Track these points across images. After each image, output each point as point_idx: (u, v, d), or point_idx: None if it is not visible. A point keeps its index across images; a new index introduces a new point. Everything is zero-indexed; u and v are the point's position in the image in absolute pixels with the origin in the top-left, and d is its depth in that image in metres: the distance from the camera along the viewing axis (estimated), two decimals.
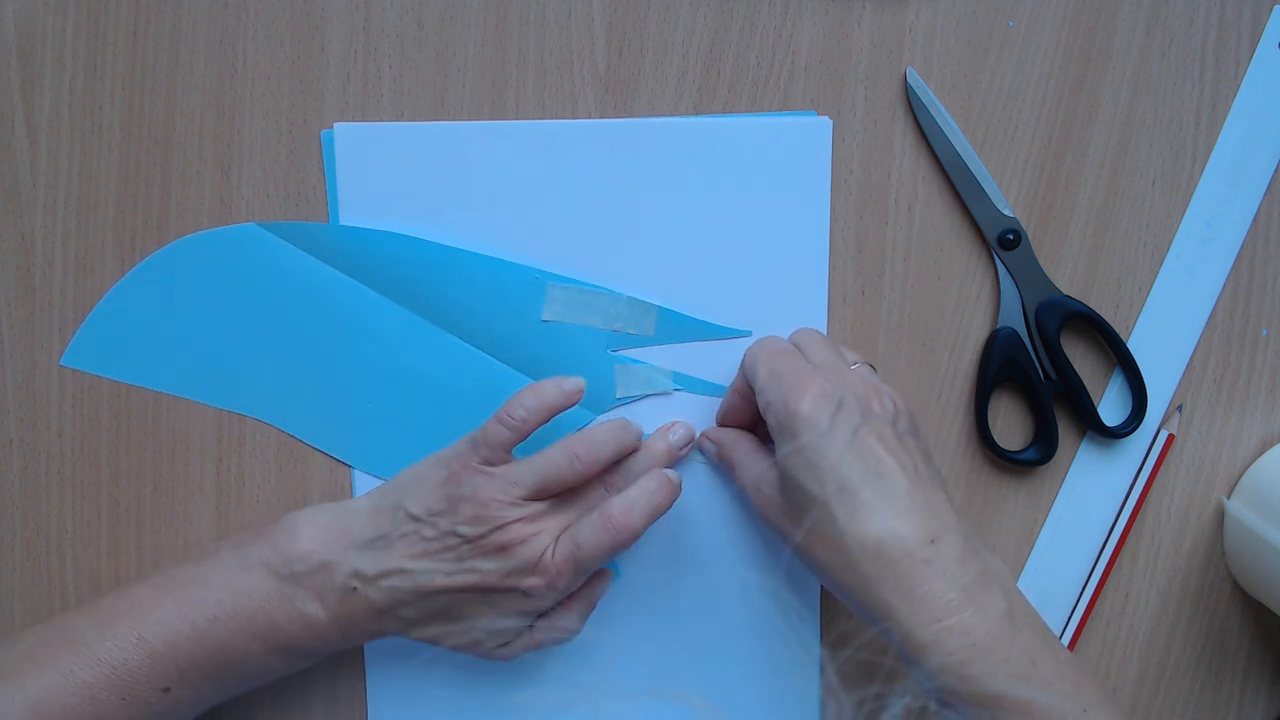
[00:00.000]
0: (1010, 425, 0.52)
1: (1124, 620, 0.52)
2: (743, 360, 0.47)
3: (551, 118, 0.49)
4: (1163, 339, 0.51)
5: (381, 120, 0.49)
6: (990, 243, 0.50)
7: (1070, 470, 0.52)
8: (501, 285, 0.49)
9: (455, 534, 0.43)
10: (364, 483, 0.50)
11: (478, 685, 0.51)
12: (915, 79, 0.49)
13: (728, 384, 0.50)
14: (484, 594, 0.44)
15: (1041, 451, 0.51)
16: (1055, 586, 0.52)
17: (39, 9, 0.48)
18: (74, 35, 0.48)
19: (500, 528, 0.43)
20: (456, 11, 0.49)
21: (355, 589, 0.44)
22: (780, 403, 0.41)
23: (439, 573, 0.44)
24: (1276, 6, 0.50)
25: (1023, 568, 0.52)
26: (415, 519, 0.44)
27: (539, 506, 0.44)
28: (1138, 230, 0.51)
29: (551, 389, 0.45)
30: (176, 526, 0.50)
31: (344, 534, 0.45)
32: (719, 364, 0.50)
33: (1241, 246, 0.51)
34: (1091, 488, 0.52)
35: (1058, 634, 0.52)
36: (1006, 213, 0.50)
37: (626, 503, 0.44)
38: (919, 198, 0.50)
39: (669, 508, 0.44)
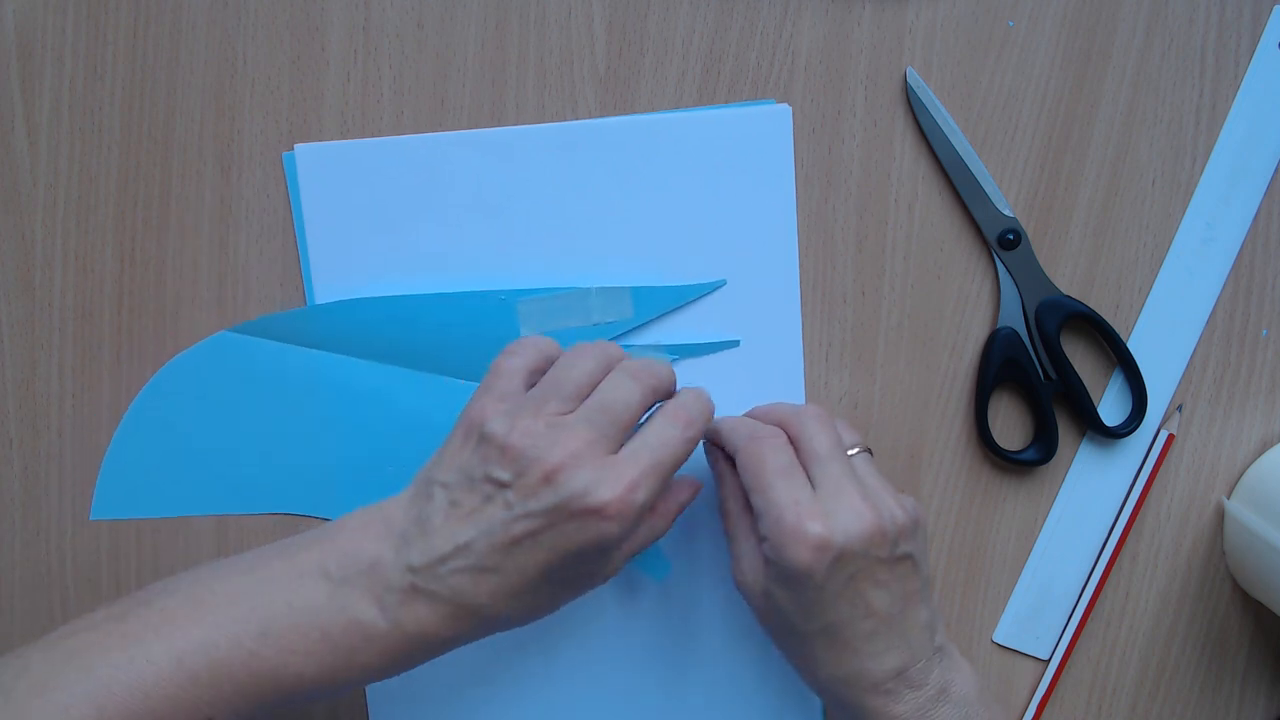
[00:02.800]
0: (1010, 425, 0.52)
1: (1124, 620, 0.52)
2: (733, 443, 0.43)
3: (551, 118, 0.49)
4: (1163, 339, 0.51)
5: (381, 121, 0.49)
6: (990, 243, 0.50)
7: (1070, 470, 0.52)
8: (475, 316, 0.49)
9: (490, 479, 0.39)
10: None
11: (479, 684, 0.51)
12: (915, 79, 0.49)
13: (718, 337, 0.50)
14: (552, 537, 0.39)
15: (1041, 451, 0.51)
16: (1055, 586, 0.52)
17: (39, 9, 0.48)
18: (74, 35, 0.48)
19: (536, 458, 0.39)
20: (456, 11, 0.49)
21: (414, 586, 0.38)
22: (777, 545, 0.40)
23: (493, 530, 0.38)
24: (1276, 6, 0.50)
25: (1023, 568, 0.52)
26: (447, 486, 0.40)
27: (573, 425, 0.40)
28: (1138, 230, 0.51)
29: (537, 342, 0.43)
30: (176, 527, 0.50)
31: (387, 527, 0.40)
32: (704, 321, 0.50)
33: (1241, 246, 0.51)
34: (1091, 488, 0.52)
35: (1058, 634, 0.52)
36: (1006, 213, 0.50)
37: (685, 399, 0.42)
38: (919, 198, 0.50)
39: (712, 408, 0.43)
